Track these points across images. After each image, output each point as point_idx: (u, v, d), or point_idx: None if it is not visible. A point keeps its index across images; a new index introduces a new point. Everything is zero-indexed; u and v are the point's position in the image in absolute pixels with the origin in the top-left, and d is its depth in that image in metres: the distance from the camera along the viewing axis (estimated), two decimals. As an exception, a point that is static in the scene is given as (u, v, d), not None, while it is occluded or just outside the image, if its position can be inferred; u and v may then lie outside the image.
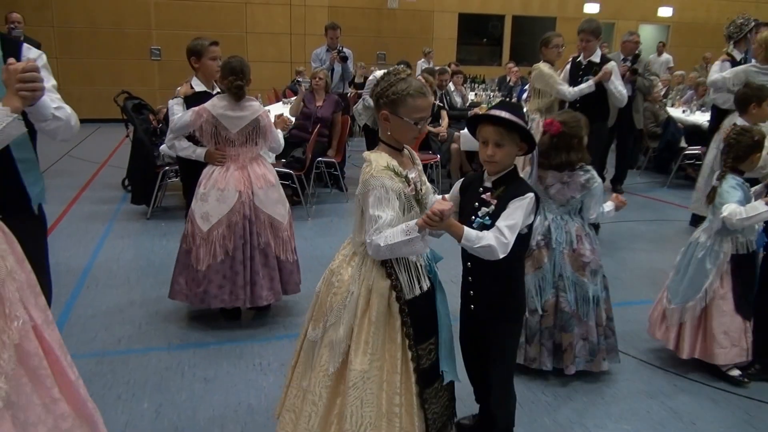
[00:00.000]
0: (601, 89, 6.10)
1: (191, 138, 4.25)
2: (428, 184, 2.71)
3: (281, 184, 4.38)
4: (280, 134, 4.41)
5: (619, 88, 6.19)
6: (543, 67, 6.19)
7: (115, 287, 4.85)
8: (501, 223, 2.44)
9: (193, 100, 4.32)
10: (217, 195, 4.03)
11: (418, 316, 2.49)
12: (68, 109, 2.53)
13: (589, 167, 3.46)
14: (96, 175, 8.91)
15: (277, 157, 6.28)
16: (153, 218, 6.68)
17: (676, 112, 9.66)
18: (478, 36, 17.44)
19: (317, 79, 7.61)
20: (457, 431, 2.96)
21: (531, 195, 2.50)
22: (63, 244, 5.81)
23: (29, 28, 8.22)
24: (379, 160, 2.42)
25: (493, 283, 2.67)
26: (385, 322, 2.45)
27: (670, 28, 17.46)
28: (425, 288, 2.51)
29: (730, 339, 3.58)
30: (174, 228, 6.36)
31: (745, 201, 3.50)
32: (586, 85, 6.08)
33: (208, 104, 4.07)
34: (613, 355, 3.66)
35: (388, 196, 2.35)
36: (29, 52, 2.54)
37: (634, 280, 5.29)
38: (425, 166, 6.19)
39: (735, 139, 3.58)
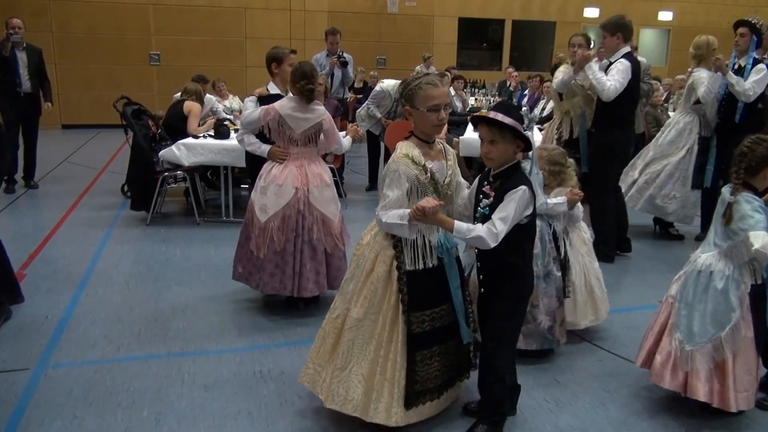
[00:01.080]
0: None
1: (260, 136, 4.52)
2: (461, 179, 3.10)
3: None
4: (348, 139, 4.74)
5: (597, 75, 5.33)
6: (561, 68, 6.01)
7: (115, 294, 4.83)
8: (495, 215, 2.69)
9: (267, 100, 4.63)
10: (275, 189, 4.31)
11: (417, 288, 2.90)
12: None
13: (524, 159, 3.50)
14: (95, 181, 8.90)
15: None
16: (152, 224, 6.65)
17: (677, 116, 9.61)
18: (478, 40, 17.46)
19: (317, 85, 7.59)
20: (464, 413, 3.27)
21: (523, 188, 2.70)
22: (62, 251, 5.79)
23: (28, 34, 8.19)
24: (402, 148, 2.85)
25: (496, 269, 2.89)
26: (384, 285, 2.91)
27: (670, 32, 17.49)
28: (430, 265, 2.92)
29: (751, 381, 3.13)
30: (173, 234, 6.35)
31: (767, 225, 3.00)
32: (566, 73, 5.69)
33: (277, 104, 4.35)
34: (530, 340, 3.73)
35: (399, 180, 2.78)
36: None
37: (636, 286, 5.27)
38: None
39: (749, 147, 3.09)
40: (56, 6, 13.72)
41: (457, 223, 2.70)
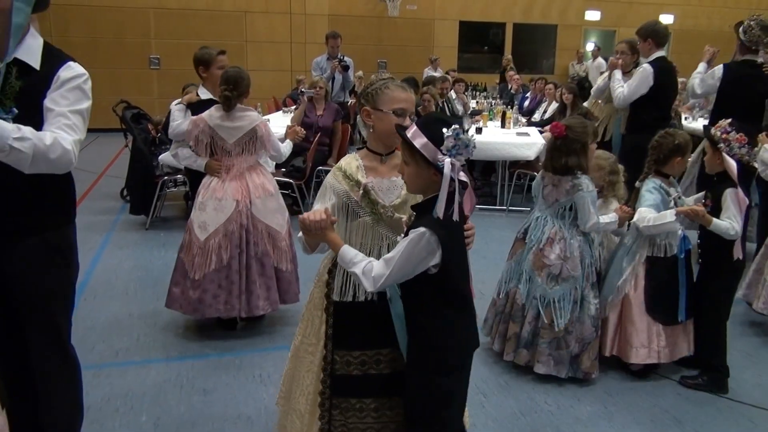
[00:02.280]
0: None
1: None
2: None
3: (281, 193, 4.38)
4: (286, 144, 4.43)
5: (614, 83, 5.68)
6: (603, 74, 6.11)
7: (114, 298, 4.82)
8: (387, 254, 2.17)
9: (197, 107, 4.36)
10: (214, 204, 4.04)
11: (343, 323, 2.46)
12: (46, 139, 2.15)
13: (582, 175, 3.54)
14: (94, 185, 8.88)
15: (277, 166, 6.25)
16: (152, 228, 6.64)
17: (678, 118, 9.62)
18: (479, 44, 17.44)
19: (317, 89, 7.61)
20: None
21: (422, 230, 2.03)
22: (62, 255, 5.76)
23: (28, 38, 8.19)
24: (342, 160, 2.49)
25: (407, 327, 2.26)
26: (320, 313, 2.52)
27: (671, 35, 17.47)
28: (361, 299, 2.40)
29: (640, 339, 3.62)
30: (173, 238, 6.32)
31: (663, 205, 3.56)
32: (601, 78, 5.85)
33: (205, 114, 4.09)
34: (560, 367, 3.60)
35: (324, 193, 2.43)
36: (67, 71, 2.34)
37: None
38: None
39: (658, 141, 3.66)
40: (56, 9, 13.68)
41: (344, 249, 2.19)
